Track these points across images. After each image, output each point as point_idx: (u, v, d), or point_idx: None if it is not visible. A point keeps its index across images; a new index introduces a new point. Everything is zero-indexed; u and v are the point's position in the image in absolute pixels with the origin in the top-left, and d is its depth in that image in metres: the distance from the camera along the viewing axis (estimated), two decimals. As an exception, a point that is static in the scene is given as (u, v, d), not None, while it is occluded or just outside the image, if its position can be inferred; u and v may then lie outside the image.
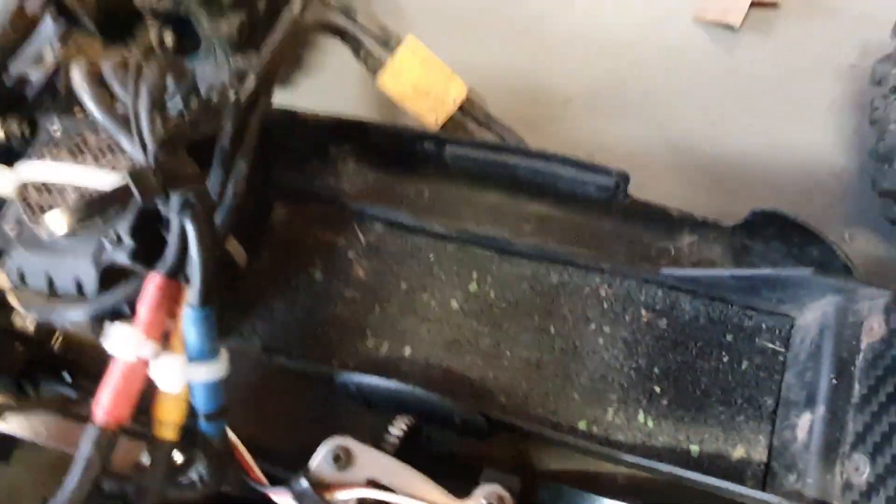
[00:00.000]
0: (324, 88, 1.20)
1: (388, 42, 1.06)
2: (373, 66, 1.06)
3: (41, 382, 0.84)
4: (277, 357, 0.80)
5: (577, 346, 0.80)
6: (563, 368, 0.79)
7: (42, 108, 0.89)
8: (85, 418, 0.62)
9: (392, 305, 0.84)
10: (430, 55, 1.06)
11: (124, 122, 0.66)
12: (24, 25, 0.92)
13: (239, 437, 0.68)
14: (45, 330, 0.91)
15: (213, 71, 1.04)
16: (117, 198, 0.62)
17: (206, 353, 0.63)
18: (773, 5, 1.13)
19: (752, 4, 1.12)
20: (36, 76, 0.91)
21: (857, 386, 0.64)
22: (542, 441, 0.79)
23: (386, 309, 0.84)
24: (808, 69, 1.11)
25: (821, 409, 0.65)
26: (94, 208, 0.62)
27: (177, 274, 0.65)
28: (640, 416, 0.76)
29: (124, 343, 0.61)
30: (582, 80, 1.17)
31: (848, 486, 0.61)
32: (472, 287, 0.84)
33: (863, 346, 0.65)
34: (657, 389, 0.77)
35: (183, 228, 0.64)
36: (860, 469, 0.60)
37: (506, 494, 0.60)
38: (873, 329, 0.65)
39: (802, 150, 1.06)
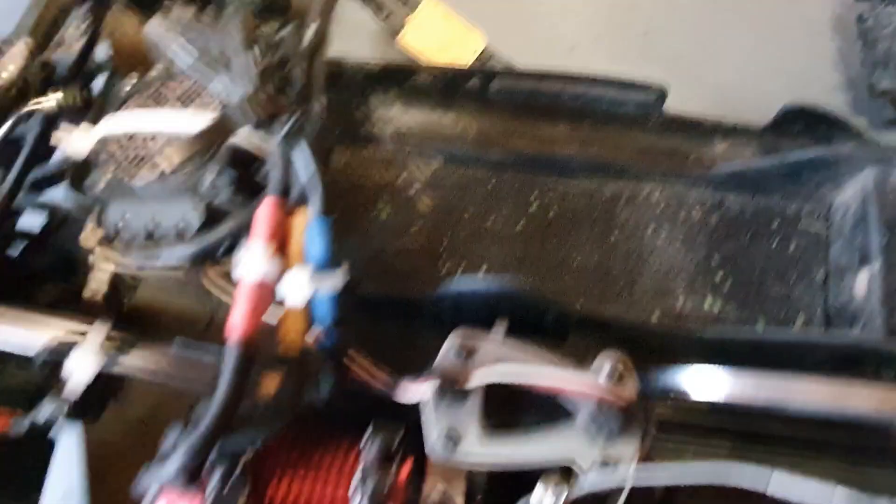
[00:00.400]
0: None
1: (408, 1, 1.11)
2: (393, 25, 1.11)
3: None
4: (362, 292, 0.84)
5: (639, 249, 0.86)
6: (629, 271, 0.86)
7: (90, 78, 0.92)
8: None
9: (460, 233, 0.89)
10: (449, 11, 1.11)
11: (216, 62, 0.69)
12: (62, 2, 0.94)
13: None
14: (114, 299, 0.92)
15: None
16: (223, 129, 0.66)
17: (329, 264, 0.67)
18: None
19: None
20: (77, 48, 0.93)
21: (906, 239, 0.73)
22: (618, 340, 0.85)
23: (455, 237, 0.89)
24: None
25: (877, 265, 0.73)
26: (202, 142, 0.65)
27: (287, 193, 0.68)
28: (707, 302, 0.83)
29: (255, 262, 0.64)
30: (584, 27, 1.25)
31: (913, 322, 0.69)
32: (533, 208, 0.89)
33: (905, 205, 0.74)
34: (718, 277, 0.84)
35: (287, 151, 0.68)
36: (922, 306, 0.69)
37: (624, 358, 0.66)
38: (915, 187, 0.74)
39: (795, 72, 1.16)
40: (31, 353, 0.71)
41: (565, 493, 0.61)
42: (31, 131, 0.94)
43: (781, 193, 0.86)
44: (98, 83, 0.90)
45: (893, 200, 0.75)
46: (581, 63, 1.21)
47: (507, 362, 0.67)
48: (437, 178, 0.92)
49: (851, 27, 1.08)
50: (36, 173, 0.93)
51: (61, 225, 0.94)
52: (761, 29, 1.19)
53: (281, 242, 0.68)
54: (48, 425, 0.84)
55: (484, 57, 1.14)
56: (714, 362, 0.75)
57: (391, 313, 0.88)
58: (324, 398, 0.72)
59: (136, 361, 0.73)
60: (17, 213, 0.94)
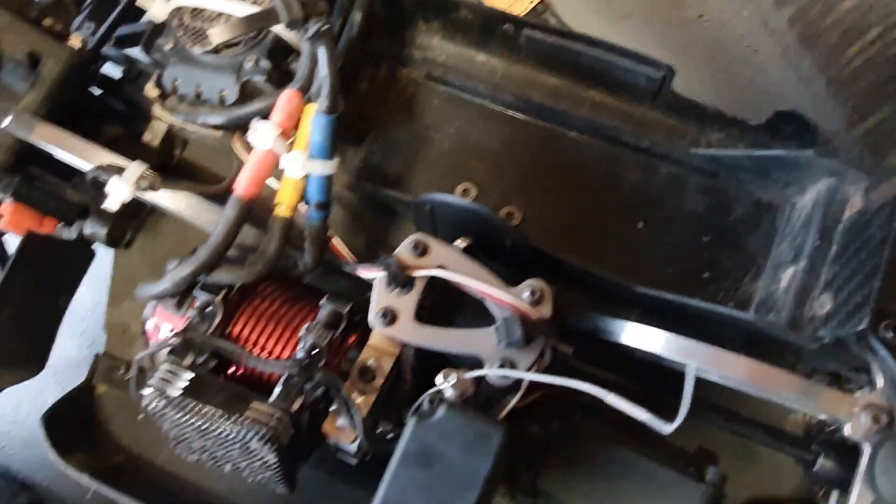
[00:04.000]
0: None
1: None
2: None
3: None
4: (367, 184, 0.97)
5: (611, 206, 0.96)
6: (597, 222, 0.96)
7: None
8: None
9: (466, 157, 1.01)
10: None
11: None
12: None
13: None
14: (166, 147, 1.09)
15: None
16: (266, 19, 0.79)
17: (326, 153, 0.80)
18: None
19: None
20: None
21: (833, 247, 0.80)
22: (568, 279, 0.96)
23: (460, 159, 1.01)
24: None
25: (802, 263, 0.82)
26: (247, 26, 0.78)
27: (307, 90, 0.82)
28: (657, 265, 0.93)
29: (265, 135, 0.78)
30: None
31: (812, 317, 0.78)
32: (536, 151, 1.00)
33: (844, 217, 0.81)
34: (672, 244, 0.93)
35: (314, 51, 0.80)
36: (824, 305, 0.77)
37: (546, 286, 0.78)
38: (854, 205, 0.81)
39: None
40: (84, 170, 0.88)
41: (455, 379, 0.74)
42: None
43: (753, 184, 0.94)
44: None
45: (835, 213, 0.82)
46: (629, 33, 1.27)
47: (452, 266, 0.80)
48: (459, 105, 1.03)
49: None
50: (123, 30, 1.09)
51: (137, 77, 1.10)
52: None
53: (294, 125, 0.82)
54: (91, 239, 1.02)
55: (539, 6, 1.23)
56: (645, 319, 0.85)
57: (382, 208, 1.01)
58: (309, 264, 0.87)
59: (163, 198, 0.89)
60: (104, 60, 1.10)
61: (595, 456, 0.88)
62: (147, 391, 0.76)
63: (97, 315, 1.23)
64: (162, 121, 1.04)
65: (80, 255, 1.06)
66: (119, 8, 1.10)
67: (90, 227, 1.00)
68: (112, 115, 1.08)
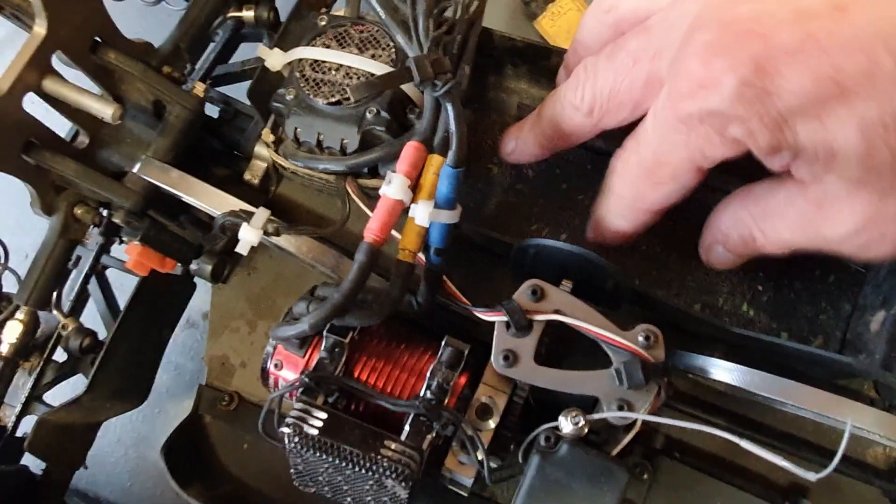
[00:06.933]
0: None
1: None
2: (533, 11, 1.26)
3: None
4: (468, 226, 1.02)
5: (697, 249, 1.01)
6: (685, 263, 1.01)
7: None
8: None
9: (554, 201, 1.06)
10: (585, 5, 1.25)
11: (402, 22, 0.87)
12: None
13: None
14: (264, 185, 1.13)
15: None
16: (400, 78, 0.83)
17: (451, 203, 0.85)
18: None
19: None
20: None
21: (923, 293, 0.86)
22: (660, 319, 1.01)
23: (548, 203, 1.06)
24: None
25: (893, 310, 0.87)
26: (382, 84, 0.83)
27: (428, 143, 0.86)
28: (745, 307, 0.98)
29: (397, 186, 0.83)
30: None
31: (906, 360, 0.83)
32: (618, 193, 1.05)
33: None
34: (759, 288, 0.99)
35: (439, 106, 0.85)
36: (915, 349, 0.83)
37: (657, 330, 0.83)
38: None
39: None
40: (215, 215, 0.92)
41: (582, 420, 0.79)
42: (220, 35, 1.15)
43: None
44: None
45: (925, 261, 0.88)
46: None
47: (567, 310, 0.85)
48: (544, 149, 1.08)
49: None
50: (219, 69, 1.14)
51: (234, 117, 1.15)
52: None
53: (417, 175, 0.86)
54: (195, 275, 1.07)
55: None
56: (735, 357, 0.91)
57: (483, 252, 1.06)
58: (423, 306, 0.92)
59: (284, 242, 0.94)
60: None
61: (694, 488, 0.93)
62: (285, 429, 0.81)
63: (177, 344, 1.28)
64: (261, 161, 1.09)
65: (184, 289, 1.10)
66: (217, 46, 1.16)
67: (196, 264, 1.05)
68: (213, 153, 1.13)
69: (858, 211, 0.69)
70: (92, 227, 1.00)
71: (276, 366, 0.91)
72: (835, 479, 0.96)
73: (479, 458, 0.83)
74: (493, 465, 0.89)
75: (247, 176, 1.10)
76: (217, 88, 1.18)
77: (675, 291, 1.00)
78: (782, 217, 0.77)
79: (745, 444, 0.69)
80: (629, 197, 0.85)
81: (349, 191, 0.95)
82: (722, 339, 0.99)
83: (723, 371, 0.92)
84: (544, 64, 1.09)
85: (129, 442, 1.31)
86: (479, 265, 1.08)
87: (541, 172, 1.07)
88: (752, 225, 0.82)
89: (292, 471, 0.88)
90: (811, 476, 0.63)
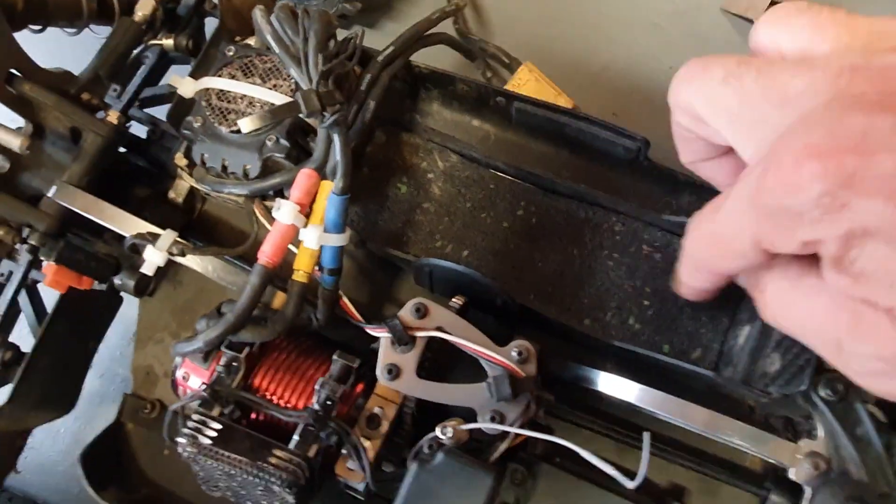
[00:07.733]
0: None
1: (509, 64, 1.31)
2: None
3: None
4: (372, 244, 1.08)
5: (591, 266, 1.07)
6: (579, 280, 1.07)
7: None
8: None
9: (458, 219, 1.11)
10: (542, 76, 1.29)
11: (294, 56, 0.92)
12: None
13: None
14: (189, 204, 1.19)
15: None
16: (289, 111, 0.89)
17: (338, 227, 0.91)
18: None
19: (771, 3, 1.34)
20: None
21: (785, 311, 0.92)
22: (555, 334, 1.07)
23: (453, 221, 1.11)
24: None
25: (758, 323, 0.93)
26: (273, 117, 0.89)
27: (321, 170, 0.92)
28: (631, 320, 1.04)
29: (286, 212, 0.89)
30: (620, 53, 1.41)
31: (763, 374, 0.89)
32: (520, 213, 1.11)
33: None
34: (646, 303, 1.04)
35: (330, 137, 0.91)
36: (774, 363, 0.88)
37: (531, 346, 0.89)
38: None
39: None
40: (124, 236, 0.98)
41: (451, 431, 0.85)
42: (148, 60, 1.20)
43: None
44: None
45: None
46: (610, 81, 1.39)
47: (449, 327, 0.91)
48: (452, 170, 1.14)
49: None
50: (146, 92, 1.19)
51: (160, 138, 1.21)
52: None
53: (310, 200, 0.92)
54: (119, 290, 1.12)
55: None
56: (626, 370, 0.97)
57: (384, 264, 1.12)
58: (321, 322, 0.97)
59: (191, 261, 1.00)
60: (130, 121, 1.21)
61: (569, 492, 0.99)
62: (181, 439, 0.87)
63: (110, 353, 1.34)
64: (185, 181, 1.15)
65: (109, 303, 1.16)
66: (144, 71, 1.21)
67: (120, 279, 1.10)
68: (137, 172, 1.18)
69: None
70: (20, 244, 1.06)
71: (183, 377, 0.97)
72: (711, 482, 1.02)
73: (363, 465, 0.89)
74: (386, 469, 0.95)
75: (171, 195, 1.16)
76: (145, 110, 1.23)
77: (566, 307, 1.05)
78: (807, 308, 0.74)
79: (583, 453, 0.75)
80: (701, 260, 0.84)
81: (256, 212, 1.01)
82: (615, 352, 1.05)
83: (606, 383, 0.98)
84: (451, 89, 1.15)
85: (79, 450, 1.36)
86: (387, 279, 1.14)
87: (446, 192, 1.13)
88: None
89: (197, 476, 0.94)
90: (629, 483, 0.69)
